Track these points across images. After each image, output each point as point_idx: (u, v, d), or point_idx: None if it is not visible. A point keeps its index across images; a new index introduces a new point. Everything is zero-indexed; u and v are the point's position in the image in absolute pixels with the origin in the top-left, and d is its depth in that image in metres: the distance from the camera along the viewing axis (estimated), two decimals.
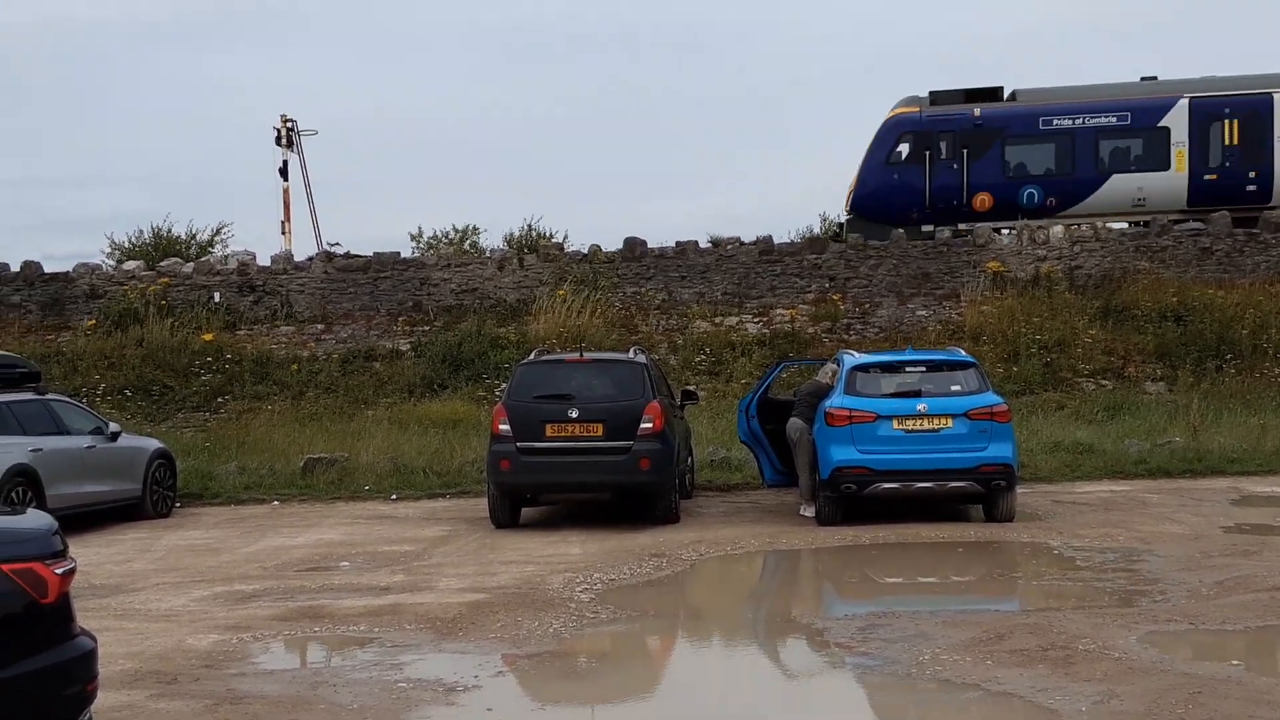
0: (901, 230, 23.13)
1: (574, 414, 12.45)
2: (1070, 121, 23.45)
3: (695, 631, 8.78)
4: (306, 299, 23.79)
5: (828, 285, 23.09)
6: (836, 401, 12.25)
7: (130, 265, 25.57)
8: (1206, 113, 23.03)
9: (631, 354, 13.79)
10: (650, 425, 12.34)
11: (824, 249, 23.55)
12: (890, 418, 12.05)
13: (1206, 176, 23.05)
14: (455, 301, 23.49)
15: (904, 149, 24.03)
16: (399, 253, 24.32)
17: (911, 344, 18.90)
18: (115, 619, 8.51)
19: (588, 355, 14.11)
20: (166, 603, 9.26)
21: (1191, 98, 23.15)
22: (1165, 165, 23.14)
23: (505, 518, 12.80)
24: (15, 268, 24.37)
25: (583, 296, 22.32)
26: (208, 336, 22.61)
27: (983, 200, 23.59)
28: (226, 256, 27.26)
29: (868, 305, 22.80)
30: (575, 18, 79.39)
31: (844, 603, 9.62)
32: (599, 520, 13.08)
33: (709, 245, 23.92)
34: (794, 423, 13.06)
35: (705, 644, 8.37)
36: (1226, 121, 22.96)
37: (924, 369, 12.77)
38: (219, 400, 21.34)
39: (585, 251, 24.06)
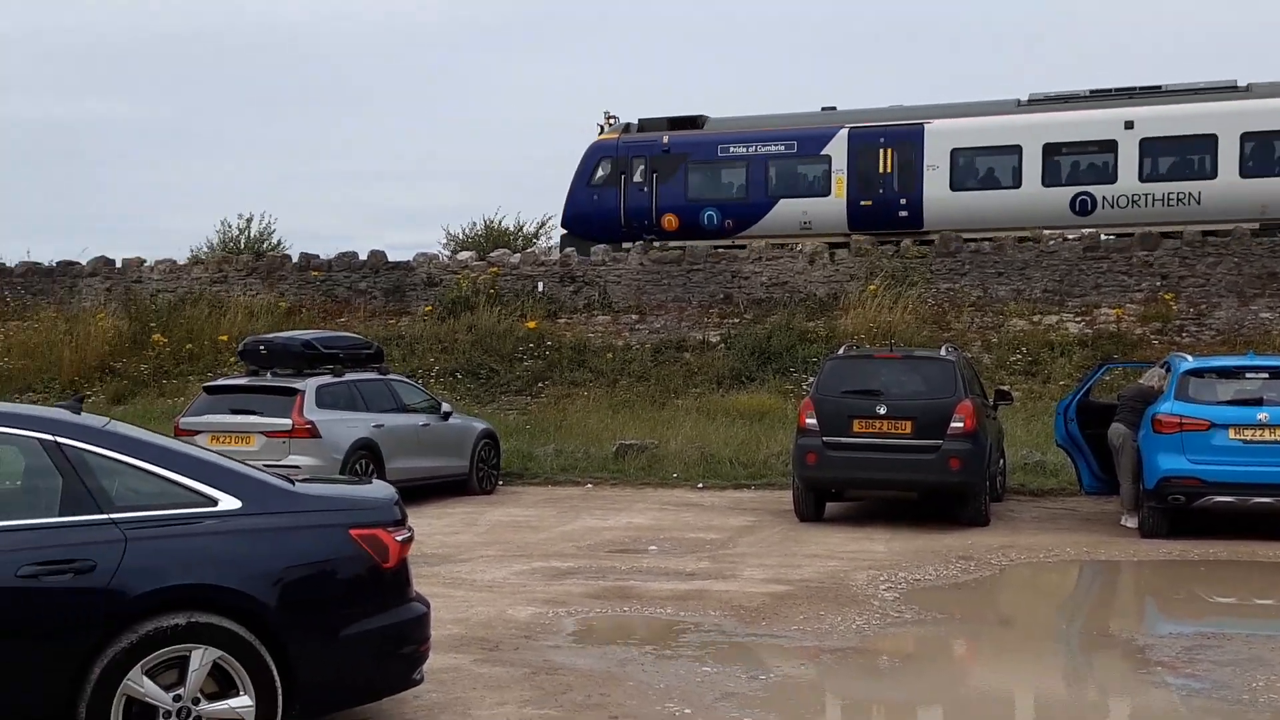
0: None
1: (882, 410, 12.32)
2: (745, 149, 24.72)
3: (1003, 639, 8.53)
4: (622, 290, 24.53)
5: (1159, 284, 21.75)
6: (1166, 407, 11.57)
7: (464, 255, 27.14)
8: (864, 142, 23.97)
9: (943, 351, 13.51)
10: (961, 425, 12.05)
11: (1156, 245, 22.17)
12: (1226, 426, 11.27)
13: (863, 202, 23.95)
14: (765, 295, 23.63)
15: (602, 173, 25.48)
16: (714, 246, 24.55)
17: (1253, 348, 17.55)
18: (444, 587, 9.12)
19: (898, 351, 13.92)
20: (489, 574, 9.84)
21: (850, 128, 24.11)
22: (827, 191, 24.21)
23: (809, 511, 12.81)
24: (363, 256, 26.37)
25: (893, 292, 21.99)
26: (531, 324, 23.72)
27: (670, 220, 25.06)
28: (550, 248, 28.44)
29: (1204, 306, 21.32)
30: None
31: (1168, 620, 9.10)
32: (905, 518, 12.89)
33: (1029, 241, 22.96)
34: (1116, 428, 12.43)
35: (1014, 653, 8.12)
36: (882, 150, 23.80)
37: (1266, 375, 11.86)
38: (539, 385, 22.35)
39: (898, 246, 23.64)
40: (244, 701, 4.82)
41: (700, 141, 25.28)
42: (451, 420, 15.39)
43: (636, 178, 25.34)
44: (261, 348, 14.57)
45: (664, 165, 25.19)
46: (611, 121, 26.23)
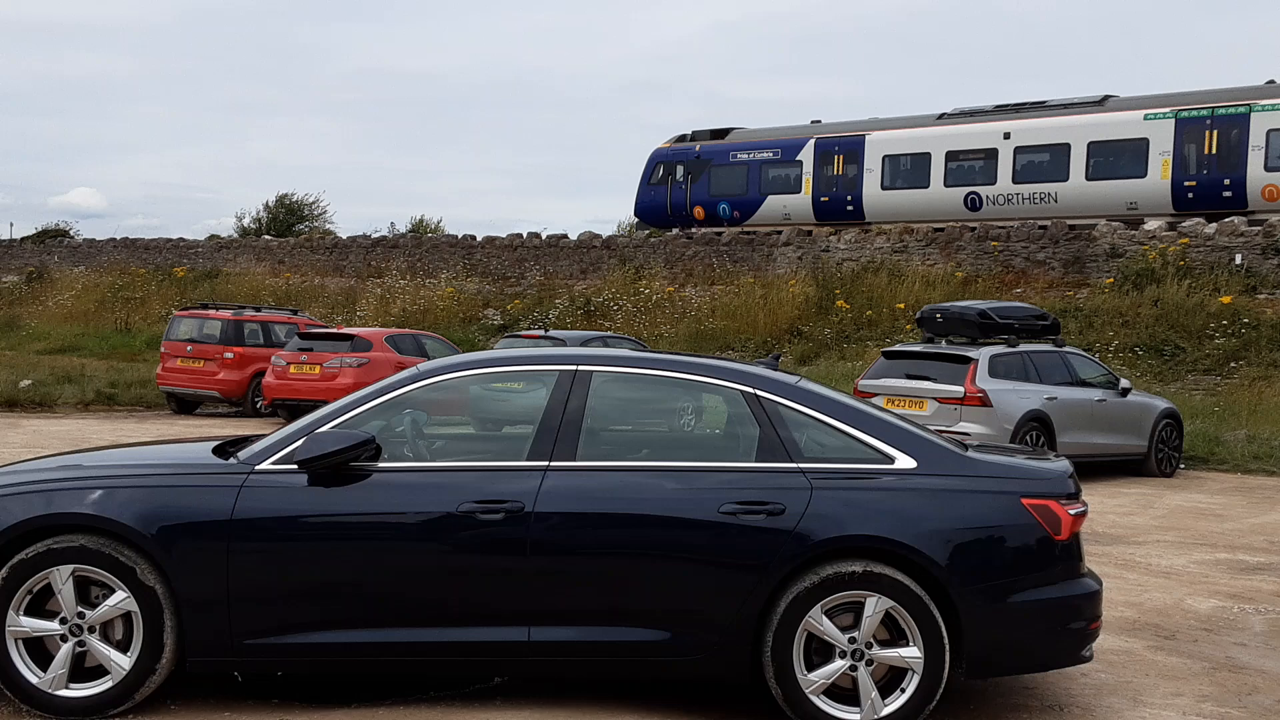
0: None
1: None
2: (747, 155, 30.81)
3: None
4: None
5: None
6: None
7: (1151, 225, 25.61)
8: (824, 150, 29.49)
9: None
10: None
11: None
12: None
13: (823, 199, 29.51)
14: None
15: (658, 174, 32.50)
16: None
17: None
18: (1115, 568, 8.78)
19: None
20: (1166, 560, 9.30)
21: (816, 138, 29.78)
22: (799, 190, 29.83)
23: None
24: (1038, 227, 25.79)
25: None
26: (1225, 299, 21.87)
27: (698, 212, 31.60)
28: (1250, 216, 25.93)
29: None
30: None
31: None
32: None
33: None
34: None
35: None
36: (836, 156, 29.26)
37: None
38: (1231, 365, 20.57)
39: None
40: (913, 652, 5.03)
41: (720, 149, 31.75)
42: (1130, 397, 14.67)
43: (678, 177, 32.31)
44: (938, 316, 14.86)
45: (696, 168, 32.01)
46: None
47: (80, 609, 4.95)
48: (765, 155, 30.88)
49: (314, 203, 57.27)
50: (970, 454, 5.53)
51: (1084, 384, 14.46)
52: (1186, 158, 24.68)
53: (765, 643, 5.05)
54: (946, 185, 27.89)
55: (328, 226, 54.71)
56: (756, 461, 5.30)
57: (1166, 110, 25.00)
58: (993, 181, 27.31)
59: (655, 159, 32.98)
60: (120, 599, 4.94)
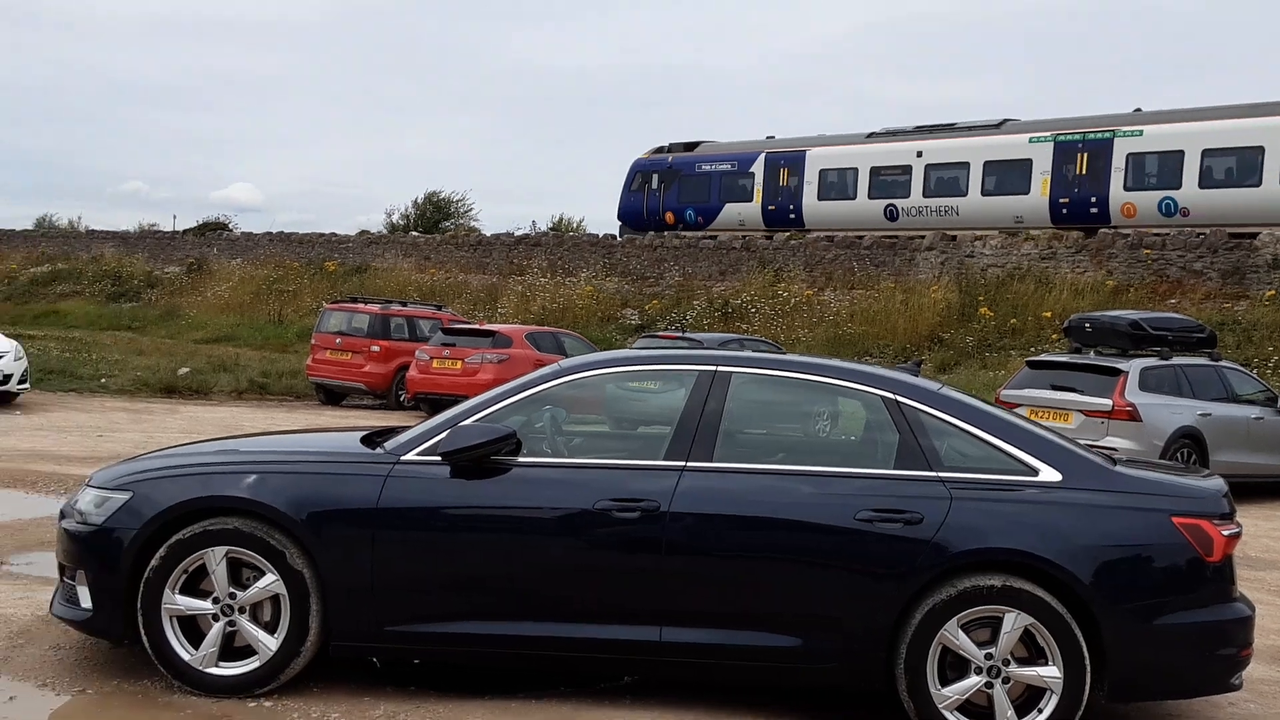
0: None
1: None
2: (709, 167, 34.15)
3: None
4: None
5: None
6: None
7: None
8: (772, 163, 33.04)
9: None
10: None
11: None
12: None
13: (770, 207, 33.15)
14: None
15: (637, 182, 35.59)
16: None
17: None
18: (1269, 594, 8.43)
19: None
20: None
21: (767, 153, 33.42)
22: (751, 199, 33.49)
23: None
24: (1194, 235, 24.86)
25: None
26: None
27: (669, 217, 34.84)
28: None
29: None
30: None
31: None
32: None
33: None
34: None
35: None
36: (781, 169, 32.77)
37: None
38: None
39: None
40: (1052, 672, 4.91)
41: (688, 160, 34.90)
42: None
43: (654, 186, 35.51)
44: (1087, 325, 14.45)
45: (668, 177, 35.22)
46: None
47: (232, 590, 5.15)
48: (725, 167, 34.28)
49: (460, 200, 58.44)
50: (1118, 469, 5.37)
51: (1240, 400, 13.91)
52: (1063, 177, 27.83)
53: (899, 654, 4.99)
54: (870, 198, 31.14)
55: (472, 224, 55.74)
56: (895, 469, 5.23)
57: (1047, 134, 28.23)
58: (907, 195, 30.55)
59: (635, 169, 36.45)
60: (270, 581, 5.12)
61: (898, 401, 5.37)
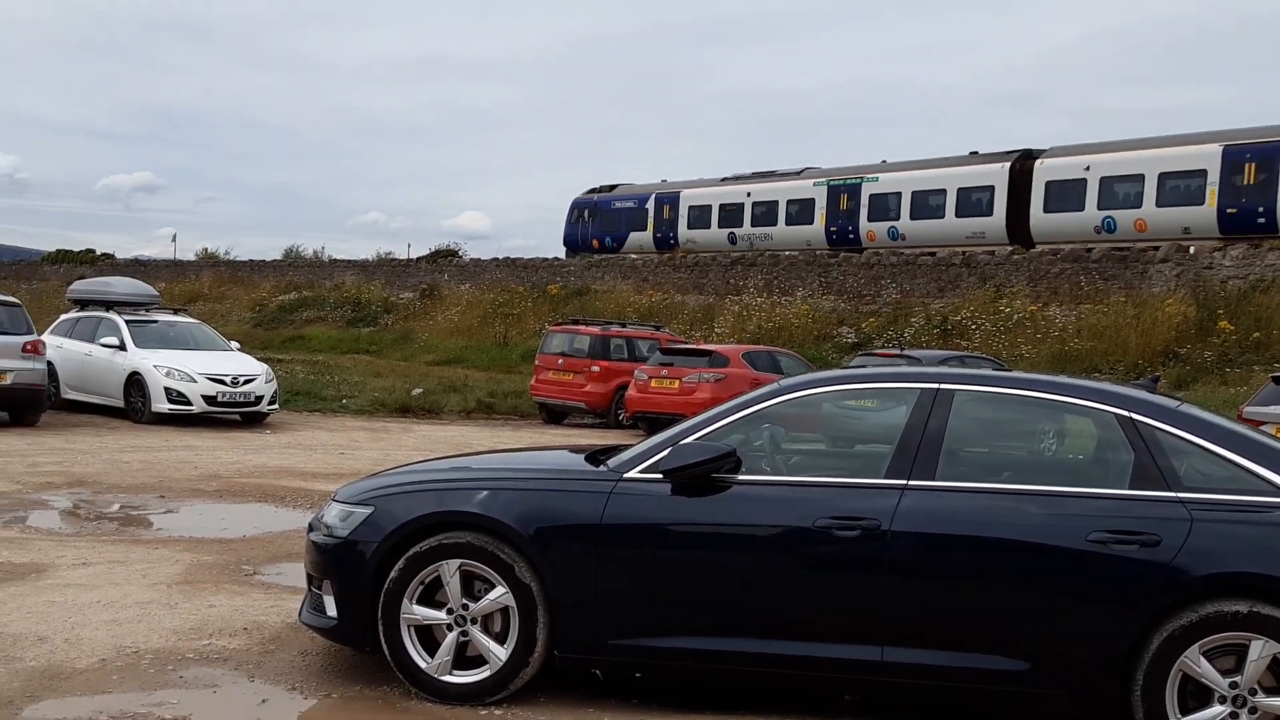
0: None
1: None
2: (618, 204, 43.78)
3: None
4: None
5: None
6: None
7: None
8: (659, 202, 41.98)
9: None
10: None
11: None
12: None
13: (657, 235, 41.75)
14: None
15: (574, 215, 45.43)
16: None
17: None
18: None
19: None
20: None
21: (656, 194, 42.48)
22: (644, 228, 42.30)
23: None
24: None
25: None
26: None
27: (595, 243, 44.31)
28: None
29: None
30: None
31: None
32: None
33: None
34: None
35: None
36: (664, 206, 41.73)
37: None
38: None
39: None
40: None
41: (606, 199, 44.18)
42: None
43: (586, 218, 44.61)
44: None
45: (594, 212, 44.34)
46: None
47: (465, 601, 5.36)
48: (628, 204, 43.42)
49: None
50: None
51: None
52: (833, 213, 36.05)
53: (1135, 682, 4.79)
54: (719, 227, 39.79)
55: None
56: (1130, 489, 5.04)
57: (822, 180, 36.65)
58: (740, 225, 39.20)
59: (573, 205, 45.88)
60: (500, 594, 5.31)
61: (1133, 419, 5.17)
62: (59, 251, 66.31)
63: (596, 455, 5.82)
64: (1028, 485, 5.17)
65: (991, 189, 31.84)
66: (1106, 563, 4.87)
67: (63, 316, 20.03)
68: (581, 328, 22.75)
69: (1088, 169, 29.64)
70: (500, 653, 5.31)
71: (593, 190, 45.61)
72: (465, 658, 5.39)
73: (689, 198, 40.99)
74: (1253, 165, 26.73)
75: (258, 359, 19.73)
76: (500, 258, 45.00)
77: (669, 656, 5.26)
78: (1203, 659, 4.73)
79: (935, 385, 5.42)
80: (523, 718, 5.20)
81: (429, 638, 5.42)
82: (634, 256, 40.65)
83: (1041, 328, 27.08)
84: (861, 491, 5.20)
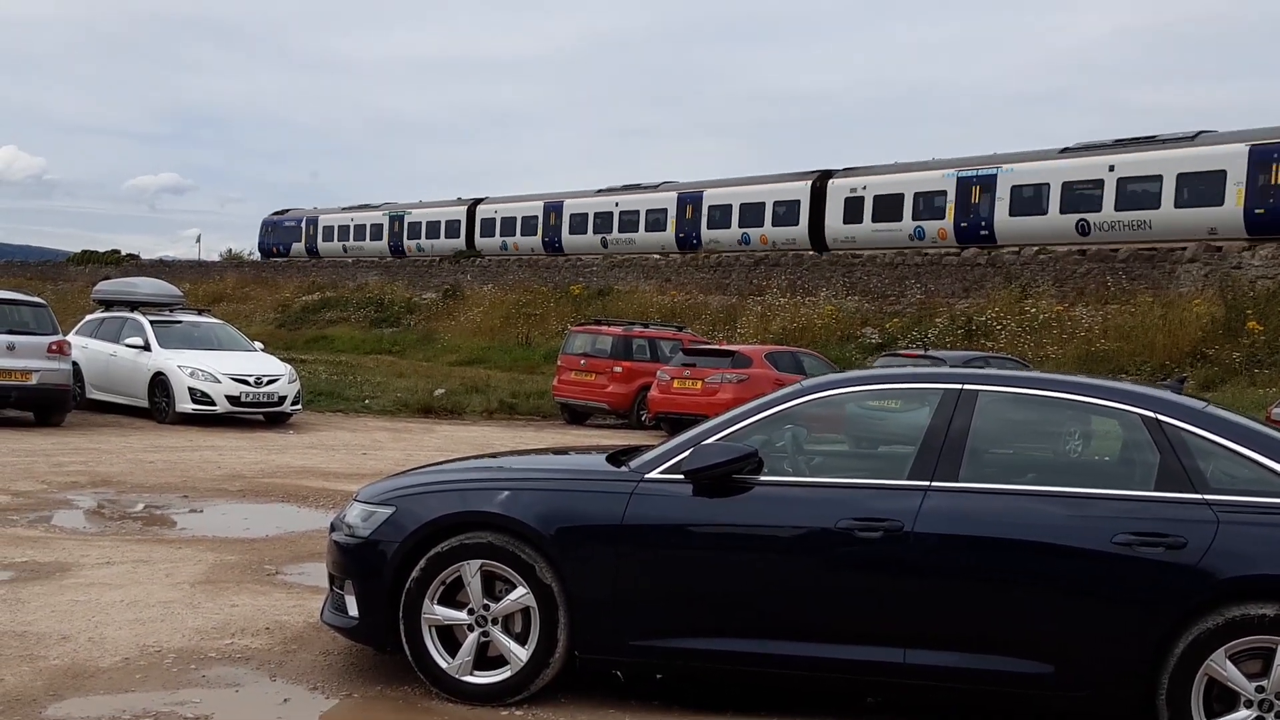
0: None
1: None
2: (292, 223, 59.06)
3: None
4: None
5: None
6: None
7: None
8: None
9: None
10: None
11: None
12: None
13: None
14: None
15: (263, 230, 60.56)
16: None
17: None
18: None
19: None
20: None
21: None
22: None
23: None
24: None
25: None
26: None
27: (275, 250, 59.03)
28: None
29: None
30: None
31: None
32: None
33: None
34: None
35: None
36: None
37: None
38: None
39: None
40: None
41: (279, 219, 60.13)
42: None
43: (271, 232, 60.60)
44: None
45: (279, 228, 60.15)
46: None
47: (485, 601, 5.35)
48: (290, 224, 58.61)
49: None
50: None
51: None
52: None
53: (1160, 685, 4.75)
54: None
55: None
56: (1155, 490, 4.99)
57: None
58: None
59: (263, 224, 61.08)
60: (520, 594, 5.30)
61: (1159, 420, 5.12)
62: (84, 252, 66.94)
63: (618, 456, 5.80)
64: (1052, 486, 5.14)
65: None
66: (1132, 565, 4.82)
67: (88, 317, 20.16)
68: (604, 328, 22.75)
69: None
70: (521, 653, 5.30)
71: (278, 212, 62.20)
72: (486, 658, 5.38)
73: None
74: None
75: (281, 359, 19.81)
76: (523, 257, 45.10)
77: (690, 657, 5.24)
78: (1229, 663, 4.68)
79: (959, 386, 5.38)
80: (544, 718, 5.19)
81: (450, 638, 5.41)
82: (656, 256, 40.61)
83: (1068, 328, 26.92)
84: (884, 492, 5.17)
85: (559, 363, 22.76)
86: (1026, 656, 4.92)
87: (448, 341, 38.18)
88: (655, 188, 43.09)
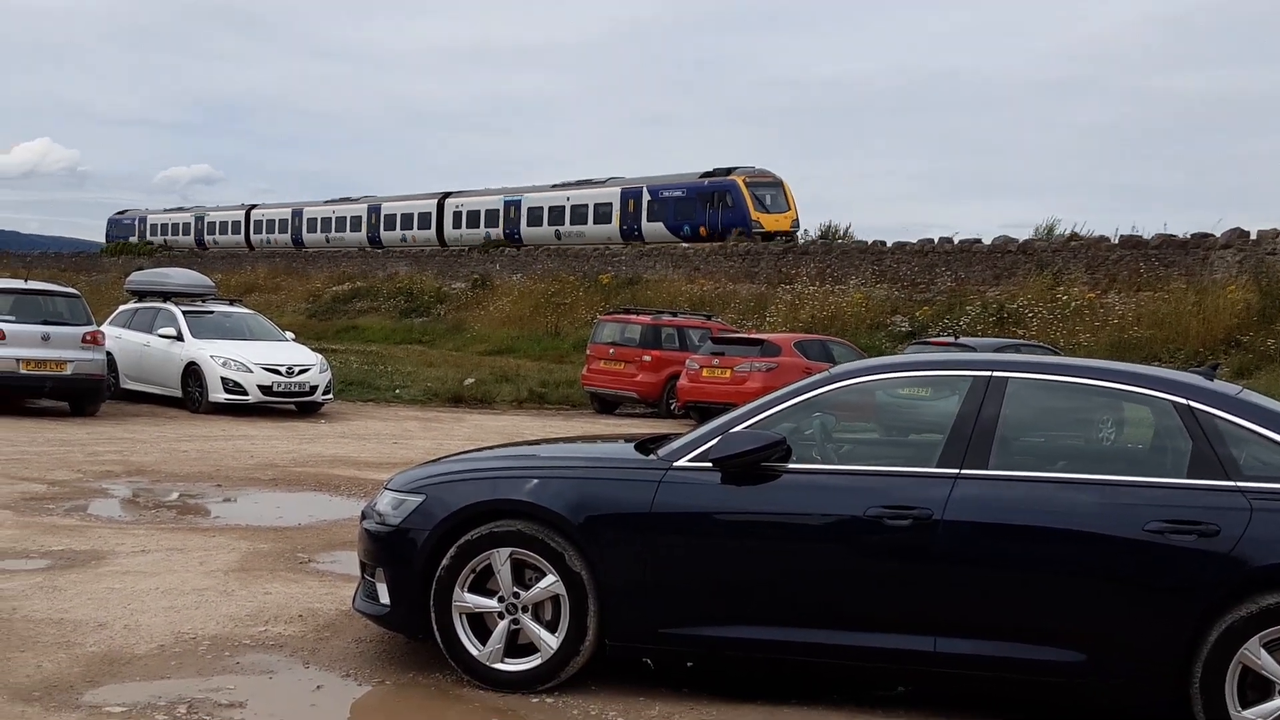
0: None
1: None
2: (130, 220, 71.09)
3: None
4: None
5: None
6: None
7: None
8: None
9: None
10: None
11: None
12: None
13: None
14: None
15: (110, 227, 72.94)
16: None
17: None
18: None
19: None
20: None
21: (198, 214, 66.07)
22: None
23: None
24: None
25: None
26: None
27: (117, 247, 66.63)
28: None
29: None
30: None
31: None
32: None
33: None
34: None
35: None
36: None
37: None
38: None
39: None
40: None
41: (122, 218, 72.15)
42: None
43: (114, 229, 71.40)
44: None
45: (115, 223, 72.59)
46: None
47: (515, 589, 5.38)
48: (128, 222, 69.23)
49: None
50: None
51: None
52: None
53: (1193, 674, 4.72)
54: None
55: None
56: (1188, 478, 4.95)
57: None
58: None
59: (109, 221, 72.68)
60: (550, 582, 5.32)
61: (1191, 407, 5.08)
62: (117, 243, 67.74)
63: (646, 444, 5.81)
64: (1083, 474, 5.11)
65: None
66: (1164, 553, 4.79)
67: (121, 307, 20.33)
68: (633, 317, 22.75)
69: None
70: (551, 641, 5.32)
71: (121, 212, 73.04)
72: (516, 646, 5.41)
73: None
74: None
75: (312, 349, 19.92)
76: (551, 246, 45.15)
77: (719, 645, 5.25)
78: (1263, 651, 4.65)
79: (988, 373, 5.36)
80: (575, 706, 5.21)
81: (480, 625, 5.44)
82: (685, 246, 40.50)
83: (1100, 315, 26.72)
84: (913, 480, 5.15)
85: (588, 352, 22.78)
86: (1058, 645, 4.90)
87: (477, 331, 38.28)
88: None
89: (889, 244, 34.32)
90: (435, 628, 5.43)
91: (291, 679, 5.48)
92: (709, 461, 5.30)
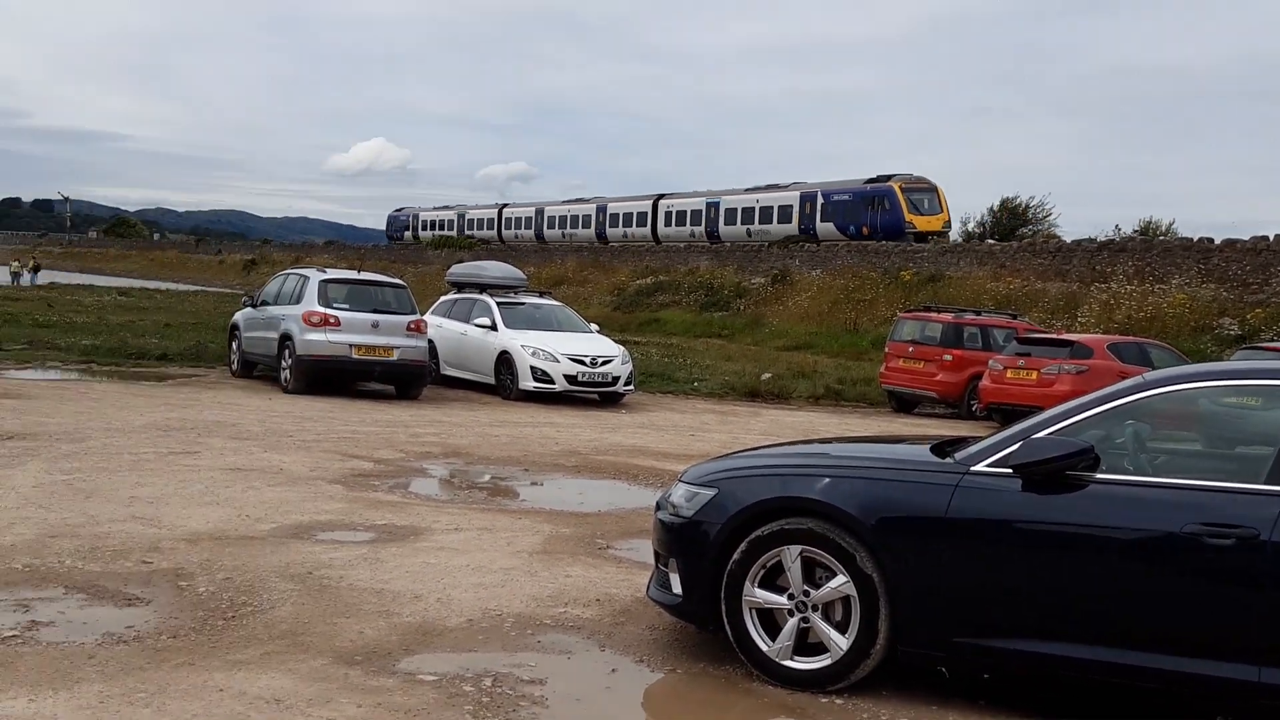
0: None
1: None
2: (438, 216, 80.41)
3: None
4: None
5: None
6: None
7: None
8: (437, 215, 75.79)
9: None
10: None
11: None
12: None
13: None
14: None
15: (394, 218, 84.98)
16: None
17: None
18: None
19: None
20: None
21: (404, 210, 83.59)
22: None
23: None
24: None
25: None
26: None
27: (407, 235, 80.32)
28: None
29: None
30: None
31: None
32: None
33: None
34: None
35: None
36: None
37: None
38: None
39: None
40: None
41: (400, 215, 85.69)
42: None
43: (402, 218, 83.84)
44: None
45: (393, 219, 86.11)
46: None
47: (805, 587, 5.37)
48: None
49: (1037, 205, 56.68)
50: None
51: None
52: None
53: None
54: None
55: (1051, 230, 53.75)
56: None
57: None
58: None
59: (388, 218, 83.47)
60: (840, 582, 5.28)
61: None
62: (441, 237, 72.36)
63: (943, 447, 5.67)
64: None
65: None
66: None
67: (442, 298, 21.60)
68: (934, 315, 22.22)
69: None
70: (841, 642, 5.28)
71: (400, 209, 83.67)
72: (806, 644, 5.40)
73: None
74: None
75: (615, 341, 20.52)
76: (851, 242, 44.72)
77: (1015, 659, 5.06)
78: None
79: None
80: (864, 710, 5.16)
81: (770, 621, 5.47)
82: (991, 242, 39.24)
83: None
84: (1237, 497, 4.80)
85: (887, 350, 22.43)
86: None
87: (775, 326, 38.38)
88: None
89: (1217, 241, 32.01)
90: (726, 621, 5.50)
91: (589, 660, 5.68)
92: (1009, 467, 5.12)
